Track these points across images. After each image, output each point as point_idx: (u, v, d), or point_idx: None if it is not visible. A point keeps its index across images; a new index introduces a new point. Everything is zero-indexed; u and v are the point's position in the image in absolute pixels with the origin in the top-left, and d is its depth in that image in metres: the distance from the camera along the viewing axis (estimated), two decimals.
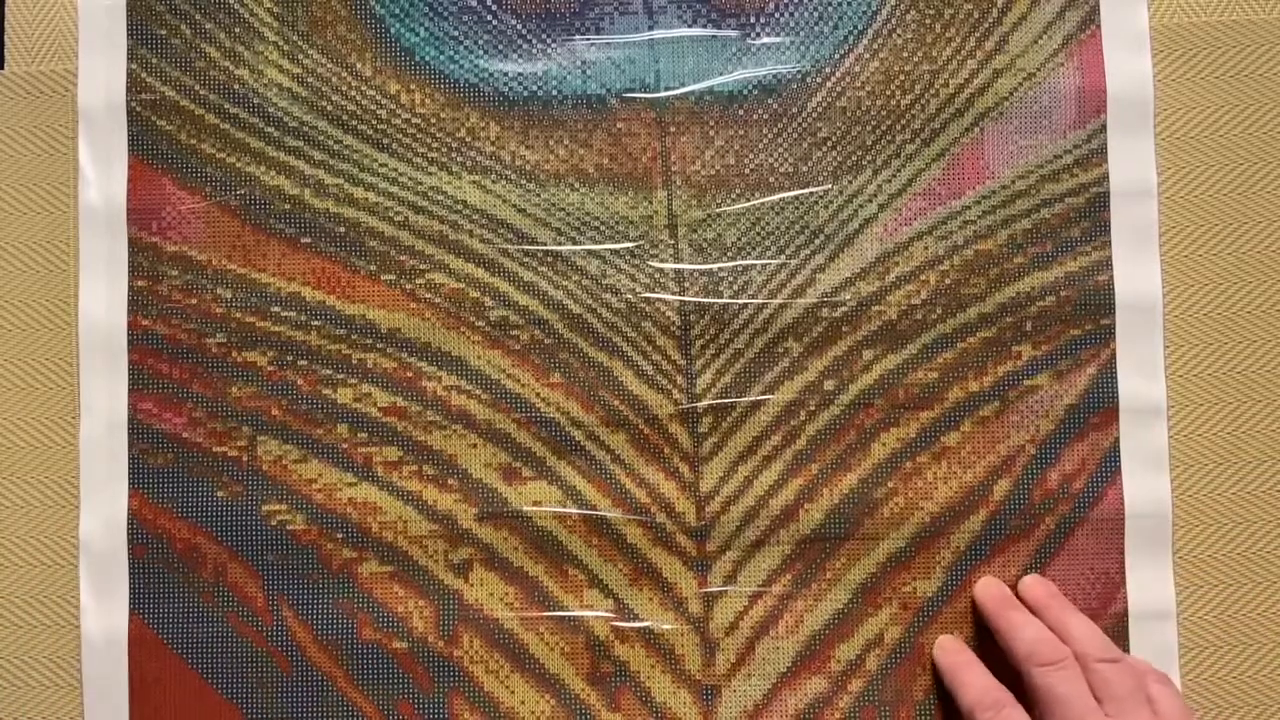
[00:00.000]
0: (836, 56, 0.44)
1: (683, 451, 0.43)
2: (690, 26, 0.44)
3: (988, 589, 0.43)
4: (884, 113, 0.44)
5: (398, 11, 0.45)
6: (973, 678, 0.41)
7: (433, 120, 0.44)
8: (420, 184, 0.44)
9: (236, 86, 0.44)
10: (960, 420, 0.43)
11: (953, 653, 0.42)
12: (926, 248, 0.44)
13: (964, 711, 0.40)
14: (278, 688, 0.43)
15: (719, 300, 0.44)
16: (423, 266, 0.44)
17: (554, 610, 0.43)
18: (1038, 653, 0.39)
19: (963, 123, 0.44)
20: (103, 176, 0.44)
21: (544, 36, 0.44)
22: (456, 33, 0.44)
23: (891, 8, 0.44)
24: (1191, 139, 0.44)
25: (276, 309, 0.44)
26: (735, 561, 0.43)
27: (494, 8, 0.45)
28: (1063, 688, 0.38)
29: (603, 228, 0.44)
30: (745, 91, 0.44)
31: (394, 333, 0.44)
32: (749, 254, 0.44)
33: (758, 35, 0.44)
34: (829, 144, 0.44)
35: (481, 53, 0.44)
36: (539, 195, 0.44)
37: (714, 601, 0.43)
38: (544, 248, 0.44)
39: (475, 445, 0.43)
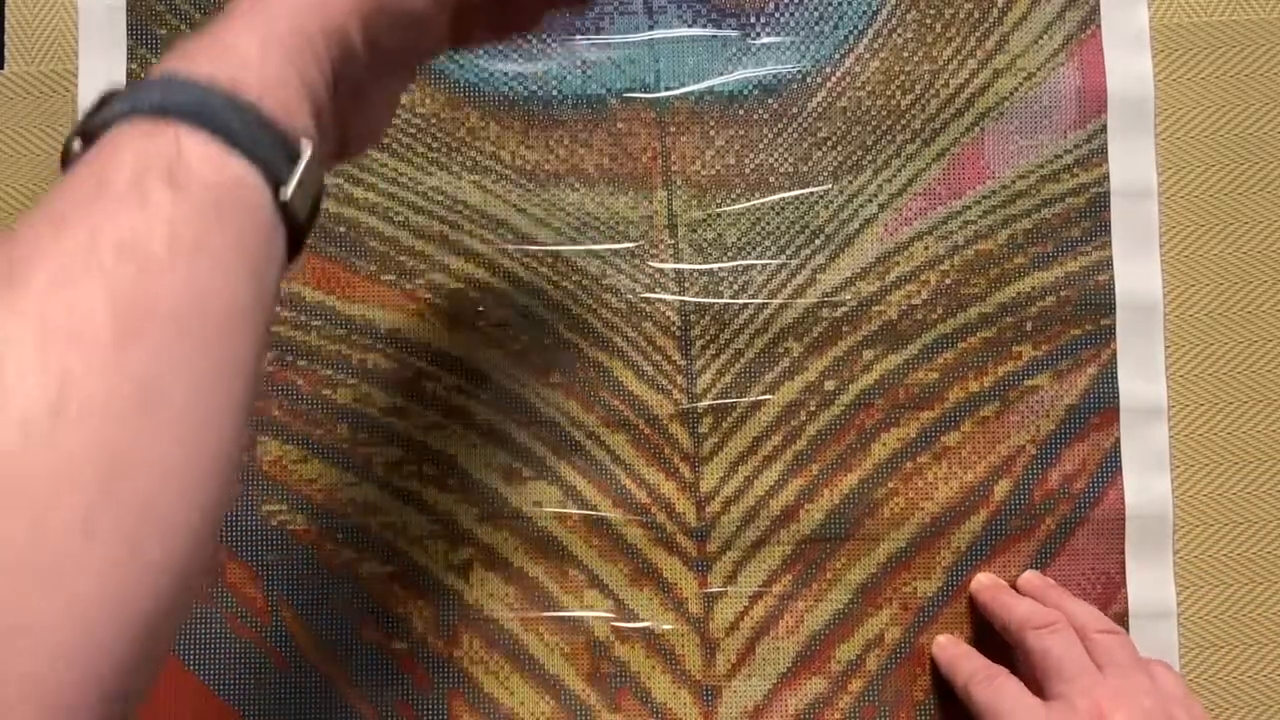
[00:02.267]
0: (837, 56, 0.44)
1: (683, 452, 0.43)
2: (690, 26, 0.44)
3: (981, 580, 0.43)
4: (884, 113, 0.44)
5: None
6: (967, 661, 0.40)
7: (433, 120, 0.44)
8: (420, 184, 0.44)
9: None
10: (960, 420, 0.43)
11: (950, 647, 0.42)
12: (927, 248, 0.44)
13: (959, 689, 0.40)
14: (276, 689, 0.43)
15: (719, 300, 0.43)
16: (423, 266, 0.44)
17: (554, 610, 0.43)
18: (1031, 619, 0.39)
19: (963, 123, 0.44)
20: None
21: (544, 36, 0.44)
22: None
23: (892, 8, 0.44)
24: (1191, 139, 0.44)
25: (276, 309, 0.44)
26: (735, 562, 0.43)
27: None
28: (1058, 649, 0.38)
29: (603, 228, 0.44)
30: (745, 91, 0.44)
31: (394, 333, 0.44)
32: (749, 254, 0.44)
33: (758, 35, 0.44)
34: (829, 144, 0.44)
35: (481, 52, 0.44)
36: (539, 195, 0.44)
37: (714, 602, 0.43)
38: (544, 248, 0.44)
39: (475, 445, 0.43)
